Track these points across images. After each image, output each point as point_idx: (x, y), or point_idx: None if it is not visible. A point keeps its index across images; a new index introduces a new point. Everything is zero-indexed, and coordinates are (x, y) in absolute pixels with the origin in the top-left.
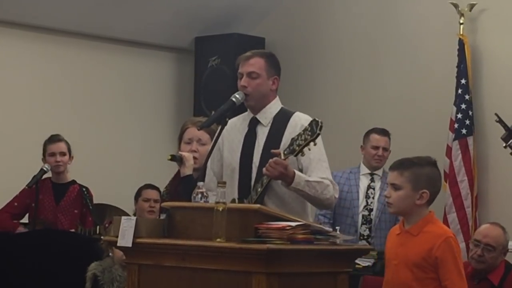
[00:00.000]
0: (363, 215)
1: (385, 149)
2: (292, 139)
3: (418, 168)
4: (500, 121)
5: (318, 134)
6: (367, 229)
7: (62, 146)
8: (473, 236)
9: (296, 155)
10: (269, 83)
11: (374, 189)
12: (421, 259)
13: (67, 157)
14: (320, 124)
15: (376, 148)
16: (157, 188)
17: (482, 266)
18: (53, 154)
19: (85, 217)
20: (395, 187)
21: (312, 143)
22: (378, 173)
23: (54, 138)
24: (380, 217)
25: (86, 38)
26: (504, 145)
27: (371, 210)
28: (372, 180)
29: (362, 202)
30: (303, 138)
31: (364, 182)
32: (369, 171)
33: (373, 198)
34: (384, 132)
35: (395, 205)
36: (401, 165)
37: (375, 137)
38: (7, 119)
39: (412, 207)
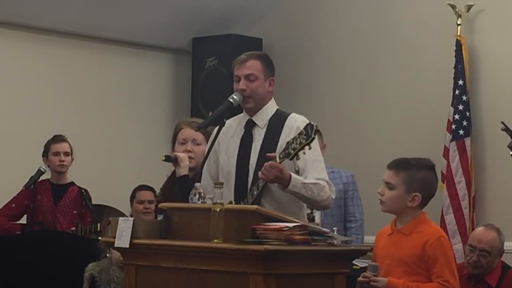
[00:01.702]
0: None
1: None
2: (288, 142)
3: (415, 171)
4: (507, 129)
5: (313, 138)
6: None
7: (66, 146)
8: (468, 240)
9: (291, 159)
10: (266, 84)
11: None
12: (413, 258)
13: (70, 157)
14: (315, 128)
15: None
16: (151, 189)
17: (479, 271)
18: (57, 154)
19: (84, 218)
20: (389, 186)
21: (307, 147)
22: None
23: (59, 138)
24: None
25: (83, 39)
26: (510, 153)
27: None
28: None
29: None
30: (298, 142)
31: None
32: None
33: None
34: None
35: (387, 204)
36: (398, 165)
37: None
38: (5, 120)
39: (404, 208)
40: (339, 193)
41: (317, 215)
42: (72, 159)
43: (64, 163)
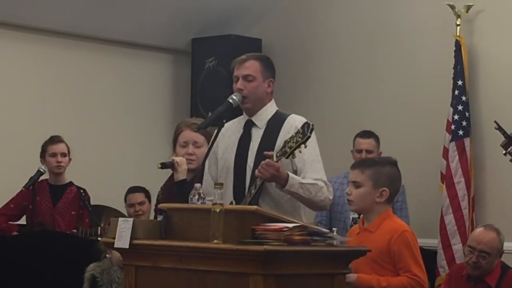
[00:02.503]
0: (352, 218)
1: (369, 151)
2: (285, 141)
3: (379, 167)
4: (499, 128)
5: (309, 137)
6: None
7: (63, 147)
8: (468, 241)
9: (287, 157)
10: (264, 85)
11: None
12: (380, 254)
13: (67, 158)
14: (311, 127)
15: (360, 151)
16: (141, 189)
17: (478, 271)
18: (54, 155)
19: (83, 219)
20: (356, 184)
21: (303, 146)
22: None
23: (56, 139)
24: None
25: (82, 40)
26: (503, 152)
27: None
28: None
29: None
30: (294, 140)
31: None
32: None
33: None
34: (367, 135)
35: (355, 202)
36: (362, 164)
37: (358, 140)
38: (4, 120)
39: (372, 205)
40: None
41: None
42: (70, 159)
43: (61, 164)
